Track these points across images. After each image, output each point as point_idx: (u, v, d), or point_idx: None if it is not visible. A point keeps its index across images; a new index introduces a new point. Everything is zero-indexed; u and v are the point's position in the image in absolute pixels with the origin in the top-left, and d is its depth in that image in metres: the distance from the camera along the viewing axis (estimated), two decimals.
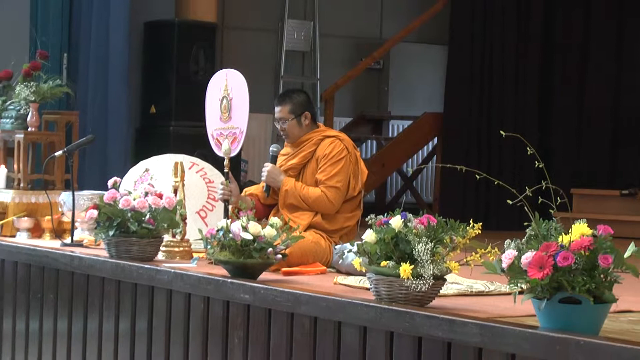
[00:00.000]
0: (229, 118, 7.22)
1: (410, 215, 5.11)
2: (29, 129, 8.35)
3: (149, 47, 10.34)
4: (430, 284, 4.97)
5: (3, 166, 8.28)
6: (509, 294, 4.51)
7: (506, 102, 13.22)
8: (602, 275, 4.28)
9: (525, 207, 4.48)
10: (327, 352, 5.32)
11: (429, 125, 13.48)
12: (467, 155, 12.58)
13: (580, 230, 4.31)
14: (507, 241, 4.48)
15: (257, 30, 12.40)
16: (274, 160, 7.31)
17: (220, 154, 7.21)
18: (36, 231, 7.92)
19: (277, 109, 7.32)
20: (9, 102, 8.51)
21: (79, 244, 7.28)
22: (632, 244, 4.35)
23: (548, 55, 13.61)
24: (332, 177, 7.10)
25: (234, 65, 7.58)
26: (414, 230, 5.02)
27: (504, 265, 4.42)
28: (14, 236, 7.88)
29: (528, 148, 4.65)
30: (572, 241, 4.27)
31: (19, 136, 8.34)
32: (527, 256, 4.31)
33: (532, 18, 13.41)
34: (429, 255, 4.94)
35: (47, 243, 7.57)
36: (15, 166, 8.31)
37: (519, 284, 4.38)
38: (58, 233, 7.78)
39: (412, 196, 13.61)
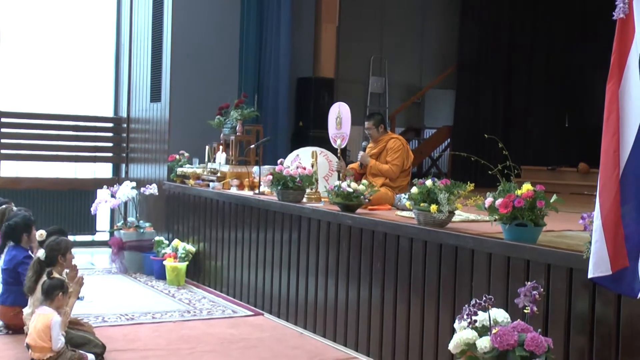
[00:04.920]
0: (340, 127, 7.21)
1: (436, 179, 5.10)
2: (237, 134, 8.43)
3: (300, 91, 10.31)
4: (447, 215, 4.95)
5: (224, 153, 8.37)
6: (489, 221, 4.46)
7: (486, 118, 13.07)
8: (538, 211, 4.23)
9: (498, 175, 4.45)
10: (391, 252, 5.32)
11: (445, 132, 13.37)
12: (466, 147, 12.38)
13: (526, 187, 4.26)
14: (488, 193, 4.45)
15: (355, 82, 12.36)
16: (364, 149, 7.32)
17: (335, 146, 7.21)
18: (240, 186, 7.98)
19: (366, 123, 7.32)
20: (227, 120, 8.61)
21: (262, 193, 7.32)
22: (555, 195, 4.31)
23: (510, 91, 13.42)
24: (394, 159, 7.07)
25: (343, 100, 7.56)
26: (438, 187, 5.00)
27: (486, 205, 4.39)
28: (229, 189, 7.93)
29: (499, 143, 4.61)
30: (522, 193, 4.22)
31: (232, 137, 8.42)
32: (499, 201, 4.27)
33: (499, 67, 13.26)
34: (446, 200, 4.93)
35: (246, 193, 7.61)
36: (230, 152, 8.40)
37: (494, 216, 4.35)
38: (251, 187, 7.84)
39: (436, 169, 13.54)
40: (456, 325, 3.80)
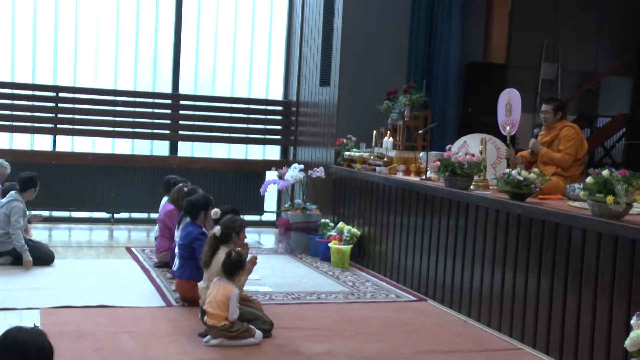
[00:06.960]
0: (510, 114, 7.06)
1: (613, 169, 4.90)
2: (405, 119, 8.42)
3: (469, 76, 10.18)
4: (624, 207, 4.75)
5: (391, 138, 8.40)
6: None
7: None
8: None
9: None
10: (563, 243, 5.18)
11: (620, 120, 12.75)
12: None
13: None
14: None
15: (526, 69, 12.00)
16: (536, 137, 7.14)
17: (504, 133, 7.06)
18: (407, 172, 7.96)
19: (544, 106, 7.15)
20: (395, 105, 8.62)
21: (429, 179, 7.30)
22: None
23: None
24: (567, 148, 6.86)
25: (513, 86, 7.38)
26: (615, 177, 4.81)
27: None
28: (395, 174, 7.92)
29: None
30: None
31: (400, 122, 8.42)
32: None
33: None
34: (623, 191, 4.73)
35: (412, 178, 7.61)
36: (398, 137, 8.40)
37: None
38: (418, 173, 7.83)
39: (610, 159, 12.98)
40: (633, 322, 3.66)
